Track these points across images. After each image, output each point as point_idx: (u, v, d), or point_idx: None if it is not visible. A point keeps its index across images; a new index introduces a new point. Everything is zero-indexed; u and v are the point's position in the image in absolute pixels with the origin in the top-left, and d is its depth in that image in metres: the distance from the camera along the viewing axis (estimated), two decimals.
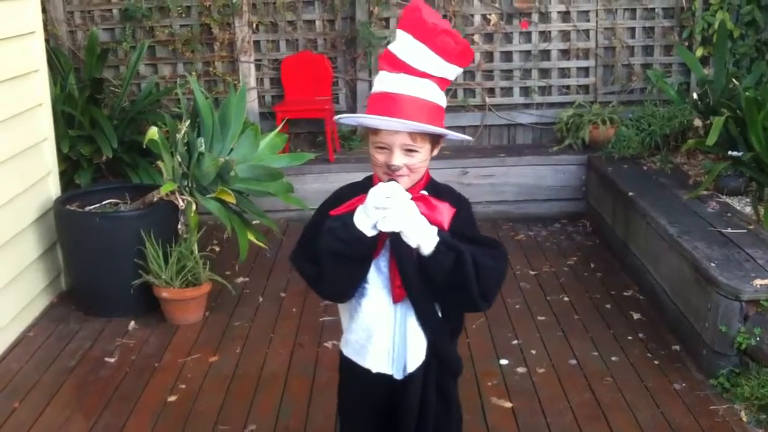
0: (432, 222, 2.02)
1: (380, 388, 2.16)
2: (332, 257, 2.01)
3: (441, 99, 2.06)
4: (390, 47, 2.04)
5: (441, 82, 2.05)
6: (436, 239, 1.99)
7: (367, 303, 2.12)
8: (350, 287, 2.10)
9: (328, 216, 2.08)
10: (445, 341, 2.18)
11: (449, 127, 2.08)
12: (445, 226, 2.03)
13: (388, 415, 2.18)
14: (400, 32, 2.03)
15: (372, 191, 1.97)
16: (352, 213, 2.01)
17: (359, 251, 2.03)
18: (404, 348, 2.13)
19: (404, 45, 2.01)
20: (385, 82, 2.02)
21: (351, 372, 2.22)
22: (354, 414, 2.27)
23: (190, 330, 4.34)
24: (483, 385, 3.71)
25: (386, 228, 1.96)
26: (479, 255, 2.03)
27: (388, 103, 1.99)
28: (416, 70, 2.01)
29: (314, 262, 2.06)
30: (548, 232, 5.86)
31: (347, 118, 2.15)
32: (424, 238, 1.98)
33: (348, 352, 2.22)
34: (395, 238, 2.01)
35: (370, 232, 1.99)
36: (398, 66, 2.01)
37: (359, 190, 2.12)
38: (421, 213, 2.00)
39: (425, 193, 2.08)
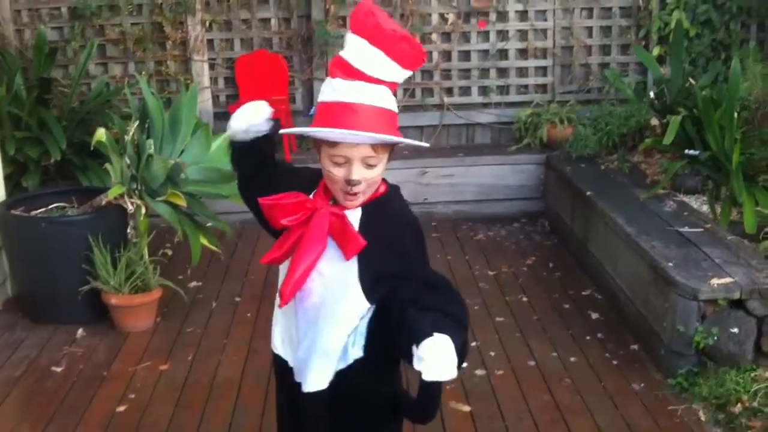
0: (341, 247, 1.96)
1: (293, 386, 2.11)
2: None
3: (394, 105, 1.98)
4: (343, 54, 1.93)
5: (392, 85, 1.97)
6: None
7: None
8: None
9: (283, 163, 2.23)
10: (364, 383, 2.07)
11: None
12: (347, 257, 1.96)
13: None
14: (354, 37, 1.92)
15: None
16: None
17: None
18: (307, 359, 2.05)
19: (359, 51, 1.91)
20: (339, 90, 1.91)
21: (276, 364, 2.21)
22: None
23: (140, 337, 4.22)
24: (441, 389, 3.64)
25: (431, 378, 1.78)
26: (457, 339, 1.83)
27: (349, 114, 1.87)
28: (371, 77, 1.92)
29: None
30: (507, 232, 5.83)
31: (306, 131, 1.98)
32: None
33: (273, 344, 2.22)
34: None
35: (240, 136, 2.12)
36: (352, 73, 1.91)
37: (304, 183, 2.08)
38: (334, 232, 1.96)
39: (346, 213, 1.99)
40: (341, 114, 1.88)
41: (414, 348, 1.77)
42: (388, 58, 1.91)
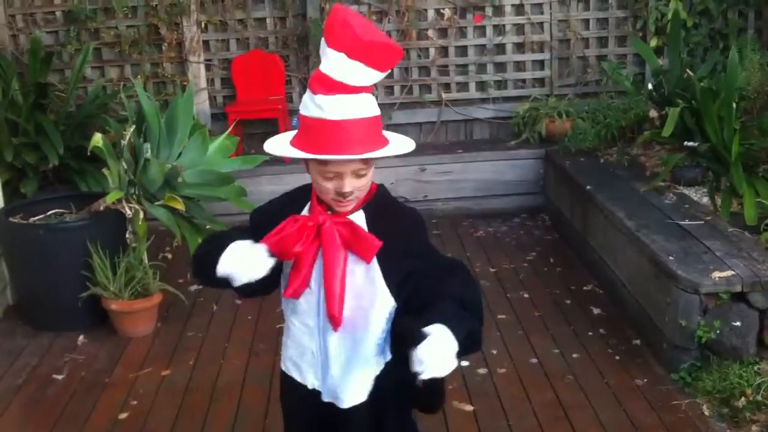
0: (357, 252, 1.93)
1: (320, 408, 2.10)
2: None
3: (377, 106, 1.94)
4: (323, 69, 1.86)
5: (371, 88, 1.94)
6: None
7: (298, 322, 2.07)
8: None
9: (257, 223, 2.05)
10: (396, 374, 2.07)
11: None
12: (367, 261, 1.94)
13: None
14: (332, 52, 1.84)
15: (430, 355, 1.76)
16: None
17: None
18: (345, 374, 2.04)
19: (338, 65, 1.84)
20: (323, 107, 1.84)
21: (291, 389, 2.16)
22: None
23: (141, 342, 4.21)
24: (444, 381, 3.63)
25: (428, 376, 1.79)
26: (476, 303, 1.95)
27: (338, 134, 1.83)
28: (353, 87, 1.86)
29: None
30: (507, 228, 5.81)
31: (298, 155, 1.91)
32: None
33: (286, 367, 2.17)
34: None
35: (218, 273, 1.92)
36: (333, 87, 1.85)
37: (294, 205, 2.02)
38: (346, 241, 1.93)
39: (351, 219, 1.96)
40: (330, 134, 1.83)
41: (412, 352, 1.77)
42: (368, 67, 1.86)
